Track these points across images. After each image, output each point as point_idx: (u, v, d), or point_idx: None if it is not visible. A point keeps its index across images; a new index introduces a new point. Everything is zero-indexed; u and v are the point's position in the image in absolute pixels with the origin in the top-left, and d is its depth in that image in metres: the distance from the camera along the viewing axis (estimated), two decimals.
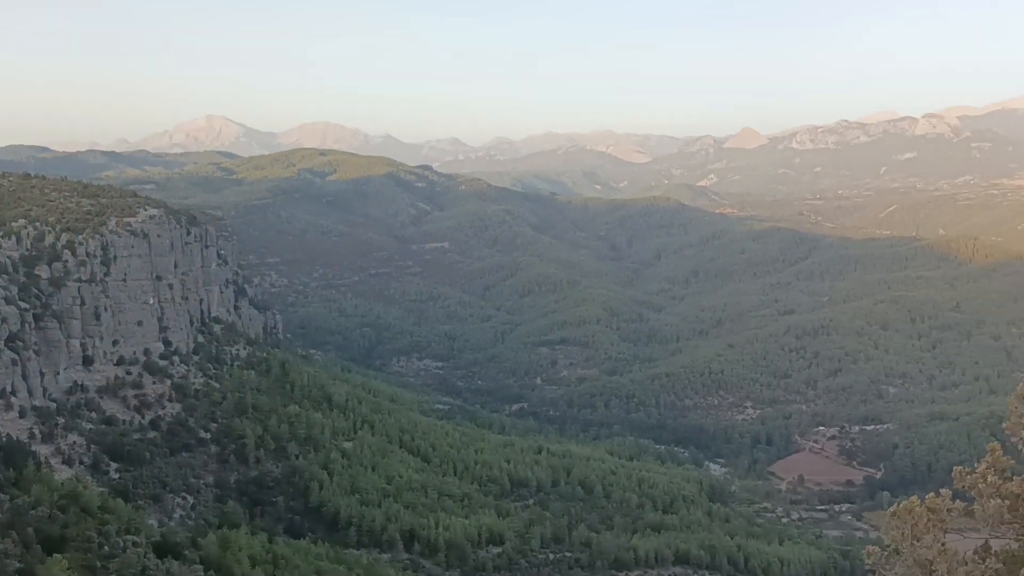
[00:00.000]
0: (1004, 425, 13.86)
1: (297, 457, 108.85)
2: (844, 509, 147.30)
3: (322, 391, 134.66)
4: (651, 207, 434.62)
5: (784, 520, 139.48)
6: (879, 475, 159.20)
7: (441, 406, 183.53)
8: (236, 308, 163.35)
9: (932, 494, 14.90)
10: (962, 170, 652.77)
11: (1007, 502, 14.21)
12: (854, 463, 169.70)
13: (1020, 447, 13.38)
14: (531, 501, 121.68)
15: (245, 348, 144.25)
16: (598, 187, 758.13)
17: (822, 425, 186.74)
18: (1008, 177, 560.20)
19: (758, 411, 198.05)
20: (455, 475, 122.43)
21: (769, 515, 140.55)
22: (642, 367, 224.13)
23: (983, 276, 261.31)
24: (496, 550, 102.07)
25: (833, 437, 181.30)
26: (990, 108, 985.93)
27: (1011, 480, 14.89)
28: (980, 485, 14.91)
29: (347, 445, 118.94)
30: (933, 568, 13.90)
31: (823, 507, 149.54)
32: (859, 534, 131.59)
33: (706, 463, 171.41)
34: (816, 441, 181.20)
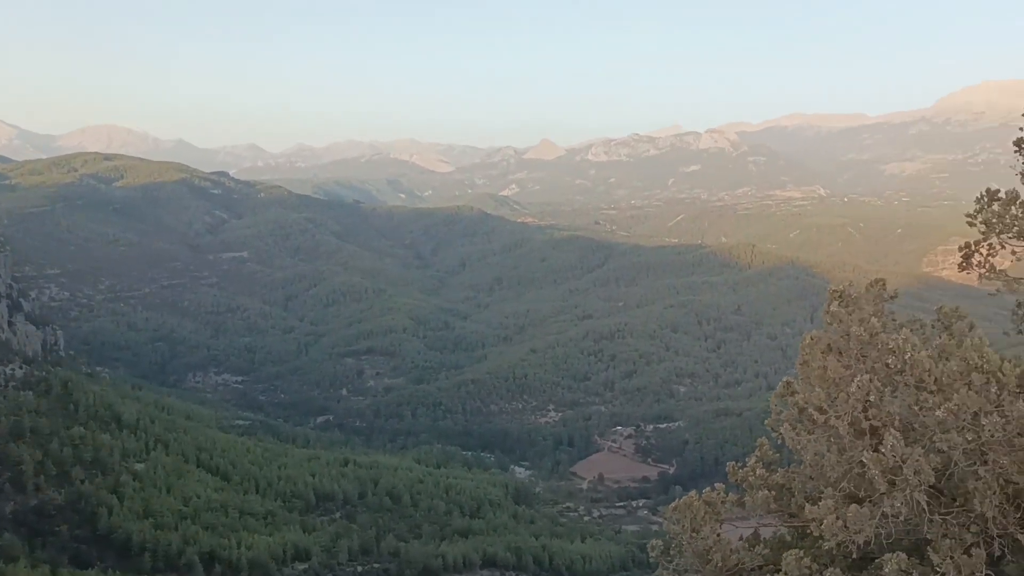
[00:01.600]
0: (766, 422, 15.18)
1: (83, 482, 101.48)
2: (641, 504, 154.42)
3: (110, 411, 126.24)
4: (456, 216, 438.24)
5: (586, 518, 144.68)
6: (672, 470, 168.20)
7: (242, 422, 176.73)
8: (10, 324, 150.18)
9: (709, 488, 16.09)
10: (741, 182, 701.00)
11: (773, 492, 15.45)
12: (649, 460, 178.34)
13: (779, 441, 14.72)
14: (338, 514, 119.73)
15: (21, 367, 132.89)
16: (403, 195, 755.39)
17: (620, 425, 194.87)
18: (780, 189, 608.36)
19: (560, 414, 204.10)
20: (257, 492, 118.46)
21: (572, 514, 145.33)
22: (449, 374, 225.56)
23: (760, 280, 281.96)
24: (302, 566, 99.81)
25: (630, 436, 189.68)
26: (765, 125, 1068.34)
27: (776, 472, 16.24)
28: (750, 478, 16.12)
29: (139, 467, 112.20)
30: (709, 557, 15.05)
31: (621, 504, 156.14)
32: (655, 527, 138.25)
33: (511, 467, 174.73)
34: (614, 440, 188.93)
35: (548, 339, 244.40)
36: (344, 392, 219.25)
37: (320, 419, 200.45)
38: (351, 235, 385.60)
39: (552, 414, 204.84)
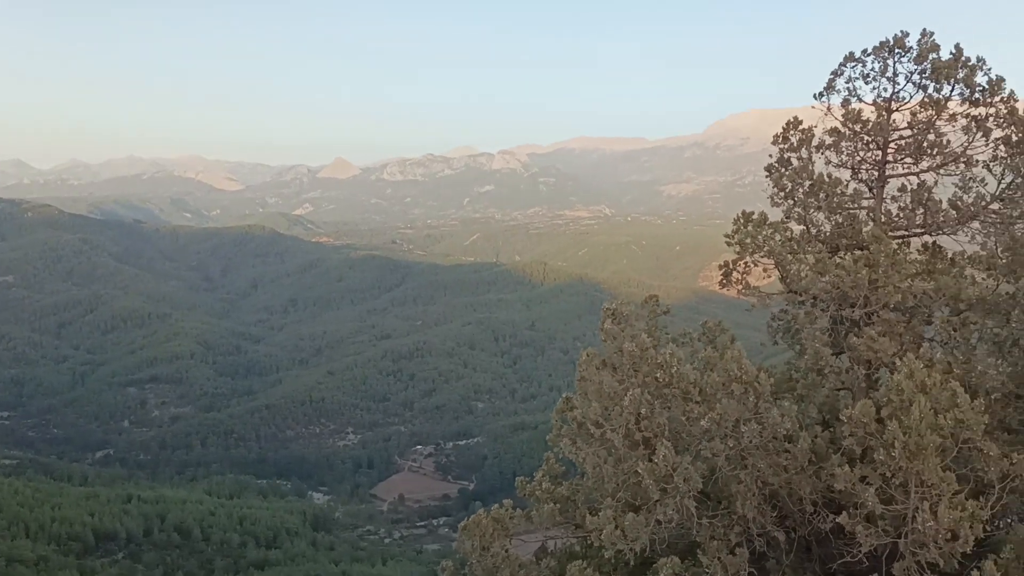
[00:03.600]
0: (547, 437, 15.60)
1: None
2: (442, 523, 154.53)
3: None
4: (246, 236, 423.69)
5: (387, 540, 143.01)
6: (472, 486, 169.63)
7: (8, 461, 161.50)
8: None
9: (497, 505, 16.32)
10: (532, 202, 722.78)
11: (558, 505, 15.88)
12: (450, 477, 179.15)
13: (560, 456, 15.20)
14: (121, 555, 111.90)
15: None
16: (188, 215, 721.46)
17: (420, 444, 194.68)
18: (569, 208, 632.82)
19: (359, 436, 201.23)
20: (28, 537, 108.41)
21: (372, 537, 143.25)
22: (241, 401, 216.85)
23: (552, 296, 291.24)
24: None
25: (430, 454, 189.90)
26: (554, 147, 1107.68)
27: (562, 485, 16.71)
28: (537, 492, 16.50)
29: None
30: (498, 574, 15.26)
31: (423, 523, 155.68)
32: (455, 544, 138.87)
33: (309, 493, 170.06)
34: (415, 460, 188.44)
35: (346, 360, 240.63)
36: (126, 424, 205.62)
37: (100, 454, 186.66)
38: (131, 257, 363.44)
39: (351, 437, 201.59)
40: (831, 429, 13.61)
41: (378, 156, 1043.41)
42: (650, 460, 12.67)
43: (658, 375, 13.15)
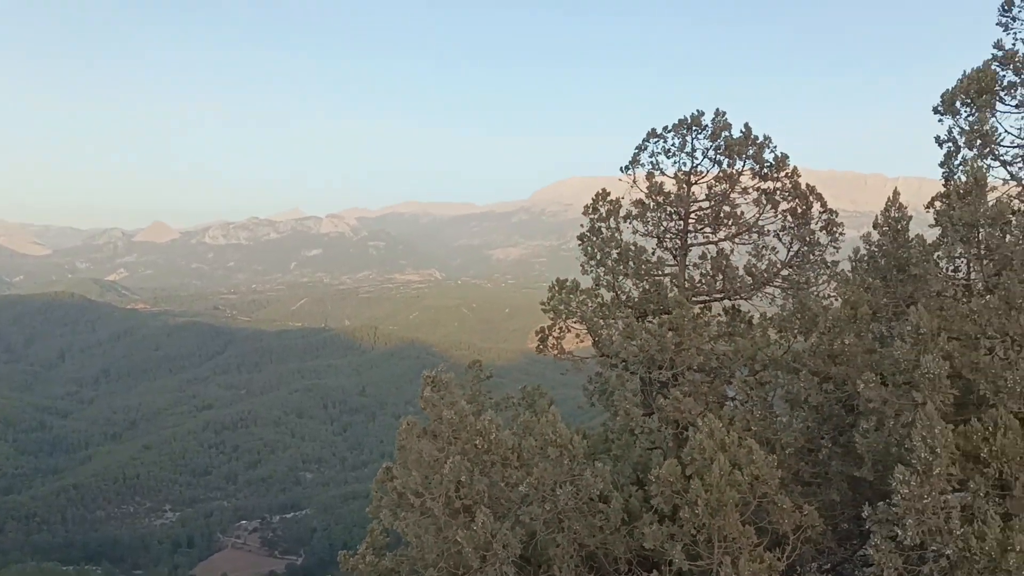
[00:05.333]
0: (367, 509, 15.36)
1: None
2: None
3: None
4: (53, 303, 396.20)
5: None
6: (300, 561, 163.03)
7: None
8: None
9: None
10: (362, 266, 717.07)
11: None
12: (276, 553, 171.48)
13: (385, 527, 14.99)
14: None
15: None
16: None
17: (244, 519, 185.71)
18: (400, 272, 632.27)
19: (178, 513, 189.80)
20: None
21: None
22: (45, 480, 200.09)
23: (383, 361, 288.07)
24: None
25: (255, 529, 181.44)
26: (383, 211, 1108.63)
27: (385, 557, 16.43)
28: (360, 566, 16.16)
29: None
30: None
31: None
32: None
33: None
34: (239, 536, 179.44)
35: (164, 433, 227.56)
36: None
37: None
38: None
39: (169, 514, 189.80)
40: (645, 488, 14.08)
41: (199, 220, 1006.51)
42: (469, 528, 12.68)
43: (477, 442, 13.28)
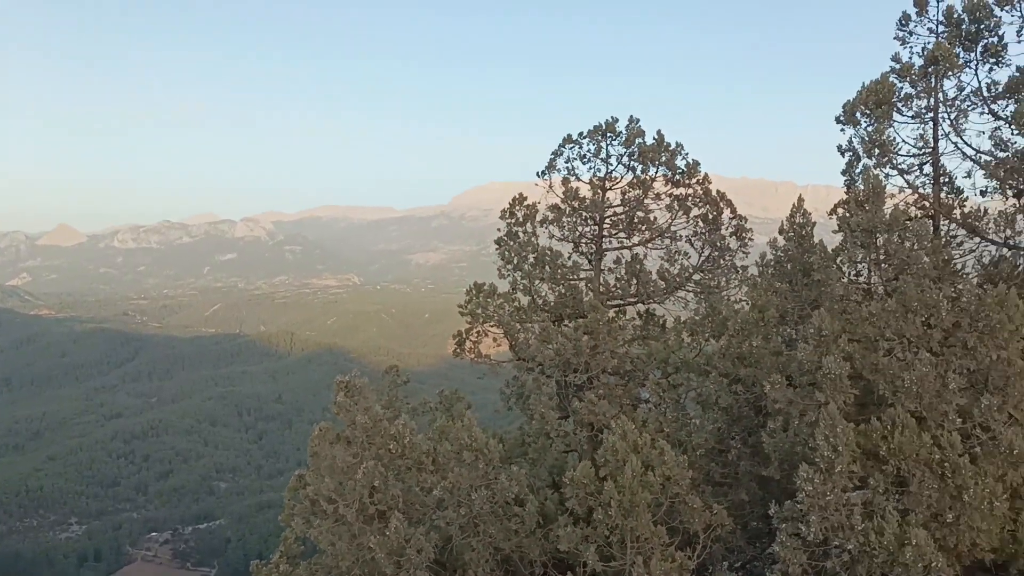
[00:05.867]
0: (280, 517, 15.12)
1: None
2: None
3: None
4: None
5: None
6: (213, 573, 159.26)
7: None
8: None
9: None
10: (278, 271, 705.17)
11: None
12: (188, 565, 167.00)
13: (294, 536, 14.75)
14: None
15: None
16: None
17: (155, 531, 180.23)
18: (317, 277, 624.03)
19: (84, 526, 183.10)
20: None
21: None
22: None
23: (300, 367, 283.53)
24: None
25: (167, 541, 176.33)
26: (301, 215, 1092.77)
27: (299, 566, 16.17)
28: (274, 575, 15.87)
29: None
30: None
31: None
32: None
33: None
34: (149, 548, 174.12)
35: (70, 444, 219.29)
36: None
37: None
38: None
39: (75, 527, 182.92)
40: (560, 491, 14.19)
41: (108, 223, 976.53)
42: (383, 534, 12.59)
43: (391, 447, 13.20)
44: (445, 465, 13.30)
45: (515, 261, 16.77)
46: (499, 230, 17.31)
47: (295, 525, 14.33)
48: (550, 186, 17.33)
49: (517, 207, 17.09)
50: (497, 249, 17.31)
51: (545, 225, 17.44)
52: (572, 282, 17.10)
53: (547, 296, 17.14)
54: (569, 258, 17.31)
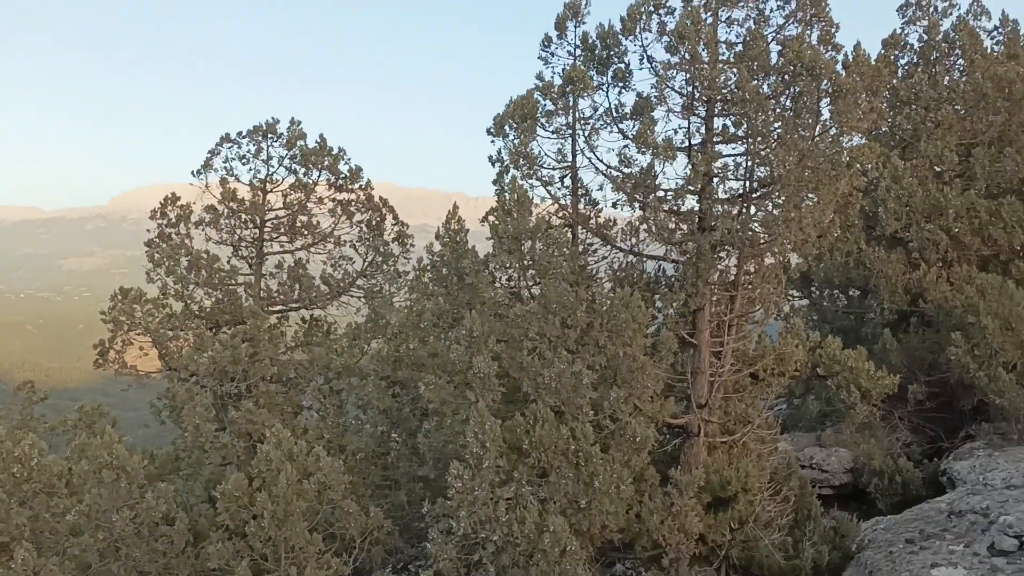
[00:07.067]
0: None
1: None
2: None
3: None
4: None
5: None
6: None
7: None
8: None
9: None
10: None
11: None
12: None
13: None
14: None
15: None
16: None
17: None
18: None
19: None
20: None
21: None
22: None
23: None
24: None
25: None
26: None
27: None
28: None
29: None
30: None
31: None
32: None
33: None
34: None
35: None
36: None
37: None
38: None
39: None
40: (215, 505, 13.55)
41: None
42: (8, 567, 11.26)
43: (15, 470, 11.79)
44: (82, 487, 12.16)
45: (166, 264, 15.73)
46: (148, 231, 16.17)
47: None
48: (206, 186, 16.49)
49: (169, 207, 16.07)
50: (146, 252, 16.14)
51: (202, 227, 16.56)
52: (230, 287, 16.37)
53: (203, 302, 16.28)
54: (228, 262, 16.57)
